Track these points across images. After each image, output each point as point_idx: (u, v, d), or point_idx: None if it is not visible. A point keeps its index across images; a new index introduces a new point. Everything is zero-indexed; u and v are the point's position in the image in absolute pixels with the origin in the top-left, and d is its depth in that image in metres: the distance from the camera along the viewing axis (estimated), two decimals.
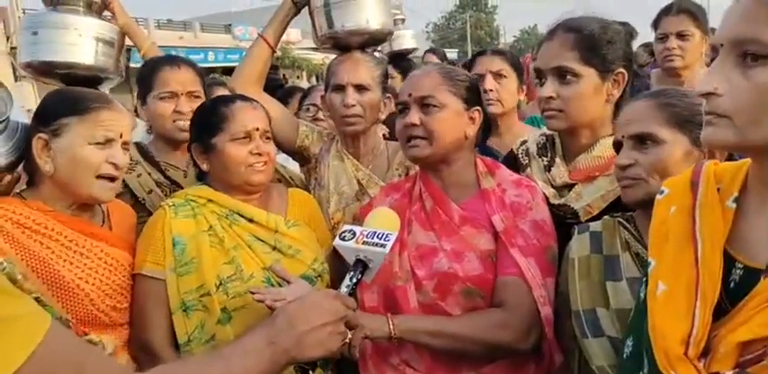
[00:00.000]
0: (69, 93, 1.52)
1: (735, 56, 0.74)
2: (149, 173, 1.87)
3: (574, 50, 1.45)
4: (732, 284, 0.78)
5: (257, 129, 1.54)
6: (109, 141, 1.40)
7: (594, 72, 1.46)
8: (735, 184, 0.83)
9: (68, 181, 1.38)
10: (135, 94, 2.02)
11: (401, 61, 4.00)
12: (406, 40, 4.12)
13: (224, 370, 0.85)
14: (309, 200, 1.76)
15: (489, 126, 1.58)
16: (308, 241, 1.63)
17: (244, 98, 1.62)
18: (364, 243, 1.13)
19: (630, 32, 1.55)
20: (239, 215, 1.55)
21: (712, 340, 0.75)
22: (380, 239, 1.13)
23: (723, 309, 0.76)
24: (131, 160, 1.84)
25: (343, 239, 1.15)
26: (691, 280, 0.78)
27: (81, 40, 1.84)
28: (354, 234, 1.15)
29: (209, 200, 1.55)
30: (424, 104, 1.44)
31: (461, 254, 1.40)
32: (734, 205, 0.81)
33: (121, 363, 1.37)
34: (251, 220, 1.56)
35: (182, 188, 1.82)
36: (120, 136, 1.43)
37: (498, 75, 2.35)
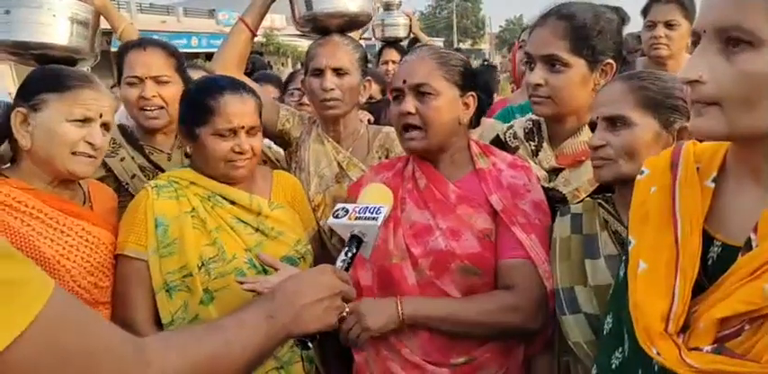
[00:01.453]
0: (54, 70, 1.50)
1: (718, 42, 0.73)
2: (132, 157, 1.83)
3: (565, 39, 1.45)
4: (710, 261, 0.79)
5: (242, 127, 1.50)
6: (87, 120, 1.39)
7: (584, 62, 1.47)
8: (713, 164, 0.83)
9: (45, 156, 1.38)
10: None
11: (397, 47, 3.97)
12: (400, 28, 4.08)
13: (222, 341, 0.85)
14: (293, 182, 1.75)
15: (484, 109, 1.57)
16: (292, 223, 1.62)
17: (234, 88, 1.54)
18: (356, 218, 1.14)
19: (623, 18, 1.55)
20: (222, 197, 1.54)
21: (691, 316, 0.76)
22: (372, 213, 1.14)
23: (701, 286, 0.77)
24: (115, 143, 1.83)
25: (336, 217, 1.16)
26: (671, 258, 0.79)
27: (55, 20, 1.78)
28: (347, 211, 1.17)
29: (192, 183, 1.53)
30: (419, 92, 1.43)
31: (458, 233, 1.41)
32: (712, 185, 0.82)
33: None
34: (233, 202, 1.54)
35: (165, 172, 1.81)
36: (100, 116, 1.41)
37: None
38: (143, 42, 1.87)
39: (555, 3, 1.54)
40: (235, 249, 1.49)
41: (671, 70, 2.48)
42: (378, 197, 1.22)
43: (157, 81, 1.81)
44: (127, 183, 1.78)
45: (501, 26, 64.36)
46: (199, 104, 1.49)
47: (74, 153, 1.39)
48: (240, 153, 1.49)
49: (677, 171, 0.84)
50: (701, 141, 0.88)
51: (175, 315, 1.45)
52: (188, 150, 1.56)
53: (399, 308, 1.35)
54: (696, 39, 0.76)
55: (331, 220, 1.17)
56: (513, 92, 3.90)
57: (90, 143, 1.39)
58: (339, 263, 1.08)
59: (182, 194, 1.50)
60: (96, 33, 1.94)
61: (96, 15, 1.94)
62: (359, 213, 1.15)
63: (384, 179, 1.53)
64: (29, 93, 1.39)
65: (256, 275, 1.49)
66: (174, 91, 1.79)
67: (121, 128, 1.91)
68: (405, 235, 1.44)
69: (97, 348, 0.67)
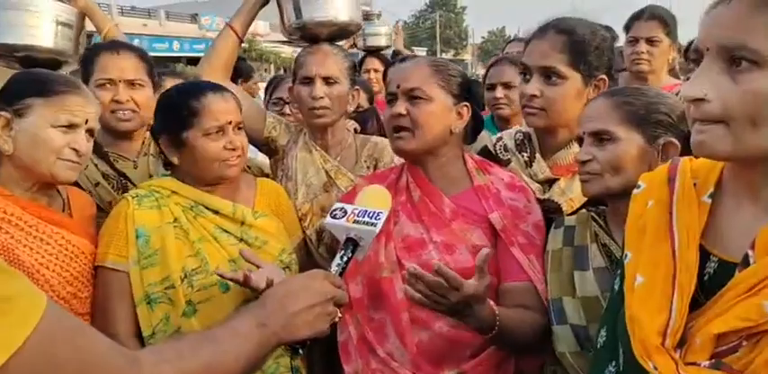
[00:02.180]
0: (38, 74, 1.47)
1: (722, 61, 0.73)
2: (96, 165, 1.78)
3: (563, 53, 1.47)
4: (706, 277, 0.79)
5: (230, 123, 1.49)
6: (73, 126, 1.37)
7: (579, 76, 1.49)
8: (710, 180, 0.83)
9: (29, 161, 1.35)
10: None
11: (379, 56, 3.99)
12: (382, 37, 4.10)
13: (214, 352, 0.83)
14: (278, 190, 1.73)
15: (481, 123, 1.57)
16: (276, 232, 1.60)
17: (214, 88, 1.55)
18: (355, 221, 1.11)
19: (614, 38, 1.59)
20: (204, 207, 1.51)
21: (688, 331, 0.76)
22: (371, 218, 1.11)
23: (697, 301, 0.77)
24: None
25: (334, 217, 1.13)
26: (668, 272, 0.79)
27: (40, 23, 1.77)
28: (345, 212, 1.14)
29: (174, 192, 1.50)
30: (412, 96, 1.43)
31: (452, 247, 1.39)
32: (709, 200, 0.82)
33: None
34: (216, 212, 1.52)
35: (130, 180, 1.78)
36: (86, 122, 1.39)
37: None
38: (115, 45, 1.84)
39: (550, 17, 1.56)
40: (218, 260, 1.46)
41: (652, 85, 2.52)
42: (377, 200, 1.19)
43: (131, 84, 1.78)
44: (90, 191, 1.73)
45: (483, 37, 65.15)
46: (182, 108, 1.47)
47: (58, 158, 1.36)
48: (233, 149, 1.48)
49: (674, 186, 0.84)
50: (696, 157, 0.89)
51: (156, 327, 1.42)
52: (174, 160, 1.52)
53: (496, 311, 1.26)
54: (698, 56, 0.76)
55: (328, 220, 1.14)
56: None
57: (75, 149, 1.37)
58: (334, 268, 1.06)
59: (163, 204, 1.47)
60: (81, 35, 1.91)
61: (80, 17, 1.92)
62: (358, 216, 1.12)
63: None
64: (12, 97, 1.36)
65: (241, 288, 1.47)
66: (146, 95, 1.77)
67: None
68: (396, 247, 1.42)
69: (92, 360, 0.66)
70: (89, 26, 2.11)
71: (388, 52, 4.44)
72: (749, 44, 0.70)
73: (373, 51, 4.07)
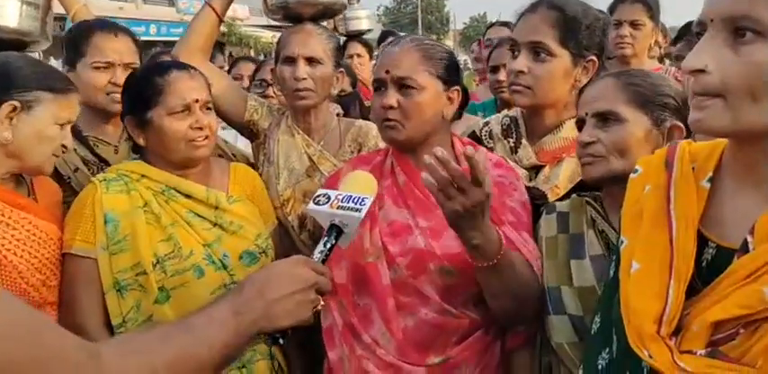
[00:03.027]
0: (41, 66, 1.44)
1: (726, 32, 0.71)
2: (75, 149, 1.71)
3: (554, 28, 1.44)
4: (704, 263, 0.77)
5: (196, 101, 1.44)
6: (67, 124, 1.39)
7: (569, 54, 1.46)
8: (709, 164, 0.81)
9: (23, 153, 1.34)
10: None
11: (361, 40, 3.94)
12: (363, 21, 4.05)
13: (187, 342, 0.80)
14: (252, 175, 1.69)
15: (467, 100, 1.53)
16: (251, 216, 1.56)
17: (180, 66, 1.50)
18: (339, 207, 1.07)
19: (607, 23, 1.56)
20: (176, 191, 1.46)
21: (684, 318, 0.74)
22: (356, 203, 1.07)
23: (694, 288, 0.76)
24: None
25: (317, 204, 1.09)
26: (665, 258, 0.77)
27: (3, 2, 1.67)
28: (329, 198, 1.09)
29: (144, 176, 1.46)
30: (403, 85, 1.38)
31: (439, 232, 1.36)
32: (708, 185, 0.80)
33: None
34: (188, 196, 1.48)
35: (110, 166, 1.72)
36: (68, 122, 1.41)
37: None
38: (110, 26, 1.79)
39: None
40: (192, 245, 1.42)
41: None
42: (362, 185, 1.15)
43: (127, 67, 1.74)
44: (69, 177, 1.67)
45: (465, 23, 64.94)
46: (147, 86, 1.43)
47: (53, 154, 1.37)
48: (200, 129, 1.43)
49: (672, 170, 0.82)
50: (695, 140, 0.86)
51: (127, 315, 1.38)
52: (140, 141, 1.48)
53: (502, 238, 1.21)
54: (701, 29, 0.74)
55: (311, 206, 1.10)
56: (477, 87, 3.93)
57: (64, 146, 1.39)
58: (317, 254, 1.02)
59: (132, 188, 1.43)
60: (48, 15, 1.82)
61: None
62: (342, 202, 1.08)
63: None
64: (18, 87, 1.32)
65: (217, 273, 1.43)
66: None
67: None
68: (382, 232, 1.39)
69: (49, 357, 0.62)
70: (59, 9, 2.02)
71: (370, 37, 4.39)
72: (753, 14, 0.68)
73: (355, 36, 4.01)
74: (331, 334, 1.42)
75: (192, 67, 1.51)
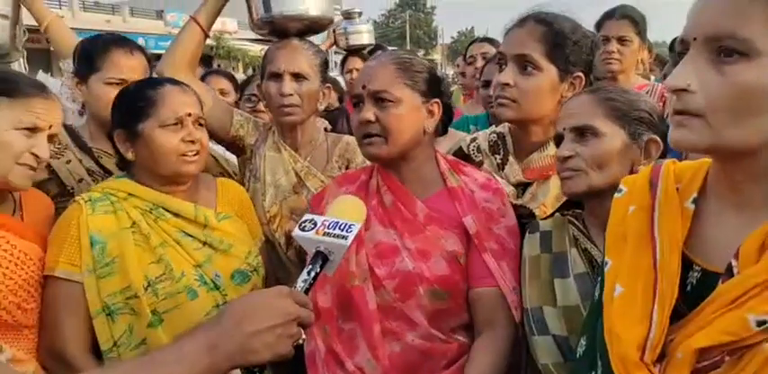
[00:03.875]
0: (4, 73, 1.41)
1: (709, 51, 0.70)
2: (80, 160, 1.72)
3: (540, 43, 1.44)
4: (689, 287, 0.76)
5: (189, 115, 1.42)
6: (36, 130, 1.32)
7: (555, 69, 1.46)
8: (694, 185, 0.80)
9: None
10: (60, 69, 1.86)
11: (361, 55, 3.94)
12: (364, 35, 4.06)
13: None
14: (239, 190, 1.66)
15: (451, 115, 1.53)
16: (241, 234, 1.54)
17: (173, 81, 1.50)
18: (325, 234, 1.04)
19: (596, 42, 1.56)
20: (164, 209, 1.43)
21: (668, 344, 0.73)
22: (342, 230, 1.04)
23: (679, 313, 0.74)
24: (60, 144, 1.72)
25: (302, 229, 1.06)
26: (648, 282, 0.76)
27: None
28: (315, 224, 1.06)
29: (130, 194, 1.42)
30: (379, 99, 1.37)
31: (427, 254, 1.35)
32: (693, 206, 0.79)
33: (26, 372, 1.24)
34: (177, 215, 1.44)
35: None
36: (50, 127, 1.33)
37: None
38: (127, 44, 1.80)
39: (531, 8, 1.53)
40: (183, 266, 1.39)
41: (622, 85, 2.54)
42: (351, 212, 1.12)
43: None
44: (72, 188, 1.67)
45: (453, 37, 65.55)
46: (139, 99, 1.41)
47: (17, 163, 1.29)
48: (191, 142, 1.41)
49: (656, 191, 0.81)
50: (680, 160, 0.86)
51: (119, 340, 1.34)
52: (128, 155, 1.45)
53: None
54: (684, 47, 0.73)
55: (297, 232, 1.07)
56: (465, 103, 3.94)
57: (35, 155, 1.31)
58: (300, 283, 0.99)
59: (119, 208, 1.39)
60: (18, 26, 1.80)
61: (16, 6, 1.81)
62: (328, 228, 1.05)
63: (347, 192, 1.45)
64: None
65: (210, 294, 1.40)
66: None
67: (67, 128, 1.79)
68: (368, 254, 1.36)
69: None
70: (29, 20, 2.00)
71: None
72: (738, 33, 0.67)
73: (355, 50, 4.02)
74: (313, 360, 1.39)
75: (184, 83, 1.50)
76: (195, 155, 1.43)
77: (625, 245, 0.81)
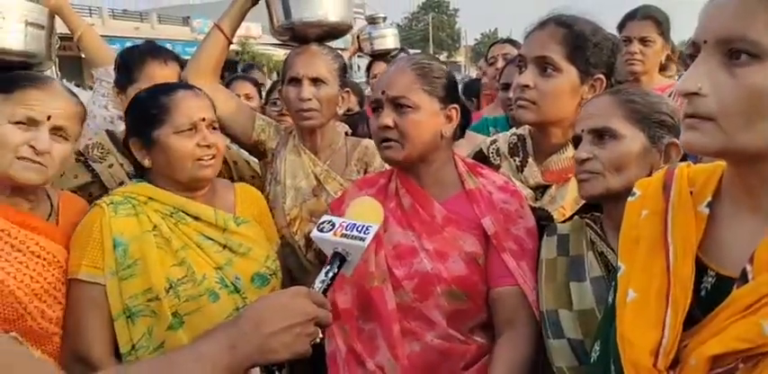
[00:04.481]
0: (5, 74, 1.42)
1: (720, 54, 0.69)
2: (121, 164, 1.77)
3: (561, 44, 1.44)
4: (703, 292, 0.75)
5: (203, 120, 1.44)
6: (33, 122, 1.30)
7: (575, 71, 1.46)
8: (708, 188, 0.79)
9: None
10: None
11: (387, 60, 3.95)
12: (388, 39, 4.06)
13: None
14: (257, 195, 1.68)
15: (469, 118, 1.54)
16: (259, 238, 1.55)
17: (185, 86, 1.52)
18: (343, 235, 1.05)
19: (617, 45, 1.55)
20: (184, 213, 1.45)
21: (682, 350, 0.72)
22: (360, 232, 1.05)
23: (694, 318, 0.73)
24: (103, 148, 1.78)
25: (321, 231, 1.08)
26: (662, 287, 0.75)
27: (6, 23, 1.68)
28: (333, 225, 1.07)
29: (151, 198, 1.44)
30: (398, 104, 1.38)
31: (445, 255, 1.36)
32: (707, 210, 0.78)
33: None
34: (197, 218, 1.46)
35: None
36: (48, 118, 1.30)
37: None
38: (162, 54, 1.85)
39: (552, 11, 1.53)
40: (204, 269, 1.40)
41: (645, 86, 2.50)
42: (369, 214, 1.13)
43: None
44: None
45: (476, 39, 65.29)
46: (153, 105, 1.43)
47: (18, 158, 1.28)
48: (207, 147, 1.42)
49: (670, 194, 0.80)
50: (695, 163, 0.85)
51: (138, 342, 1.35)
52: (145, 162, 1.47)
53: None
54: (695, 50, 0.73)
55: (315, 233, 1.09)
56: (485, 104, 3.92)
57: (33, 147, 1.28)
58: (318, 284, 1.01)
59: (141, 211, 1.41)
60: (52, 36, 1.86)
61: (51, 17, 1.86)
62: (346, 230, 1.06)
63: (366, 195, 1.46)
64: None
65: (231, 296, 1.42)
66: None
67: (110, 134, 1.85)
68: (387, 256, 1.38)
69: None
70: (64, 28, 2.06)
71: None
72: (749, 35, 0.66)
73: (380, 55, 4.02)
74: (335, 360, 1.41)
75: (197, 88, 1.52)
76: (211, 158, 1.44)
77: (638, 250, 0.80)
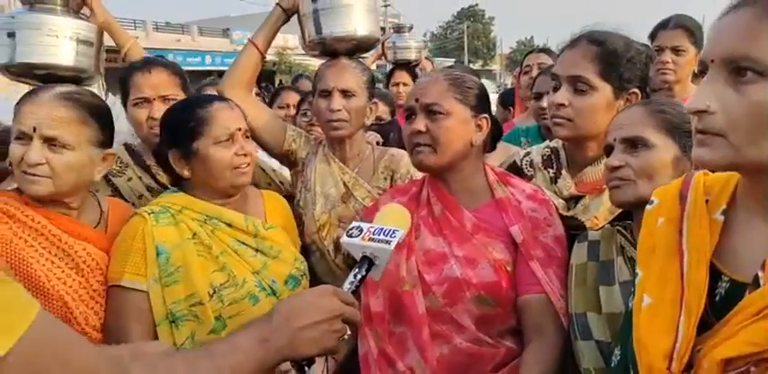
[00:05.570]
0: None
1: (727, 72, 0.72)
2: (140, 177, 1.82)
3: (594, 62, 1.46)
4: (718, 297, 0.76)
5: (239, 130, 1.50)
6: (25, 136, 1.32)
7: (610, 88, 1.47)
8: (723, 196, 0.81)
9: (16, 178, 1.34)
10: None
11: (408, 69, 3.99)
12: (412, 51, 4.11)
13: (210, 368, 0.83)
14: (284, 203, 1.74)
15: (500, 131, 1.57)
16: (286, 242, 1.60)
17: (219, 98, 1.58)
18: (370, 239, 1.10)
19: (651, 56, 1.56)
20: (217, 220, 1.50)
21: (696, 354, 0.73)
22: (386, 236, 1.10)
23: (708, 323, 0.75)
24: (122, 162, 1.83)
25: (350, 236, 1.12)
26: (676, 292, 0.77)
27: (58, 41, 1.77)
28: (361, 230, 1.12)
29: (185, 207, 1.49)
30: (430, 111, 1.43)
31: (474, 261, 1.39)
32: (722, 218, 0.79)
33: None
34: (230, 225, 1.51)
35: None
36: (34, 130, 1.31)
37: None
38: (146, 64, 1.87)
39: (583, 28, 1.54)
40: (244, 273, 1.45)
41: (677, 95, 2.48)
42: (395, 219, 1.18)
43: (165, 100, 1.81)
44: (133, 204, 1.76)
45: (512, 47, 64.78)
46: (190, 119, 1.48)
47: (22, 172, 1.32)
48: (244, 155, 1.48)
49: (686, 202, 0.82)
50: (712, 171, 0.86)
51: (182, 346, 1.38)
52: (184, 173, 1.50)
53: None
54: (703, 68, 0.75)
55: (344, 239, 1.14)
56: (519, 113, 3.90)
57: (25, 160, 1.30)
58: (347, 285, 1.05)
59: (180, 220, 1.46)
60: (101, 51, 1.95)
61: (100, 34, 1.96)
62: (373, 234, 1.11)
63: (398, 203, 1.50)
64: None
65: (269, 299, 1.46)
66: None
67: (128, 147, 1.91)
68: (418, 261, 1.42)
69: (79, 372, 0.66)
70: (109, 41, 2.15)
71: None
72: (752, 54, 0.69)
73: (402, 64, 4.08)
74: (367, 362, 1.44)
75: (229, 99, 1.58)
76: (247, 166, 1.50)
77: (654, 257, 0.82)
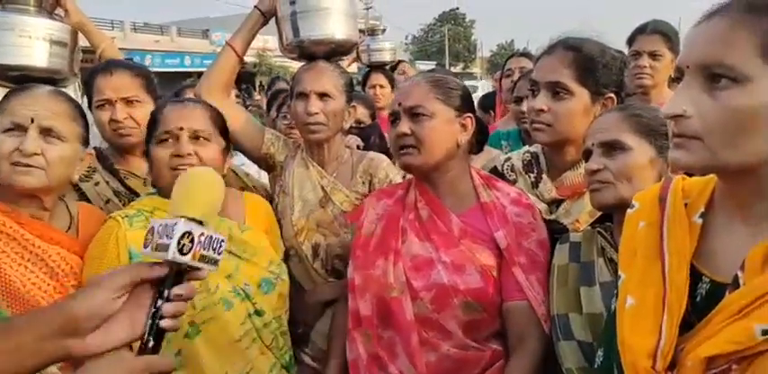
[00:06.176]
0: None
1: (702, 78, 0.74)
2: (107, 182, 1.79)
3: (570, 68, 1.48)
4: (698, 298, 0.78)
5: (181, 129, 1.45)
6: (19, 127, 1.31)
7: (587, 92, 1.50)
8: (702, 200, 0.83)
9: None
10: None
11: (383, 71, 4.00)
12: (386, 53, 4.13)
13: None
14: (266, 206, 1.72)
15: (486, 133, 1.58)
16: (261, 244, 1.58)
17: (180, 100, 1.57)
18: (201, 257, 0.86)
19: (625, 61, 1.59)
20: None
21: (679, 353, 0.75)
22: (215, 252, 0.89)
23: (690, 323, 0.76)
24: (89, 167, 1.78)
25: (181, 252, 0.84)
26: (658, 294, 0.78)
27: (31, 42, 1.73)
28: (193, 241, 0.85)
29: (157, 208, 1.47)
30: (414, 114, 1.44)
31: (461, 267, 1.39)
32: (700, 220, 0.81)
33: None
34: None
35: None
36: (32, 121, 1.30)
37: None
38: (108, 66, 1.86)
39: (561, 33, 1.57)
40: (216, 279, 1.43)
41: (654, 100, 2.52)
42: (205, 201, 0.92)
43: (127, 102, 1.80)
44: (100, 208, 1.72)
45: (492, 51, 65.35)
46: (150, 121, 1.50)
47: (12, 164, 1.29)
48: (179, 156, 1.43)
49: (665, 206, 0.84)
50: (690, 175, 0.88)
51: None
52: (151, 174, 1.52)
53: None
54: (680, 74, 0.77)
55: (174, 255, 0.86)
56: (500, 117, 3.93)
57: (20, 150, 1.28)
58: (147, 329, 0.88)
59: None
60: (75, 52, 1.92)
61: (74, 34, 1.92)
62: (204, 249, 0.87)
63: (385, 206, 1.53)
64: None
65: (241, 302, 1.44)
66: (145, 111, 1.76)
67: (96, 151, 1.87)
68: (405, 267, 1.42)
69: None
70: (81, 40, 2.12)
71: None
72: (726, 60, 0.71)
73: (378, 66, 4.09)
74: (356, 367, 1.43)
75: (195, 100, 1.57)
76: (187, 166, 1.41)
77: (636, 260, 0.84)
